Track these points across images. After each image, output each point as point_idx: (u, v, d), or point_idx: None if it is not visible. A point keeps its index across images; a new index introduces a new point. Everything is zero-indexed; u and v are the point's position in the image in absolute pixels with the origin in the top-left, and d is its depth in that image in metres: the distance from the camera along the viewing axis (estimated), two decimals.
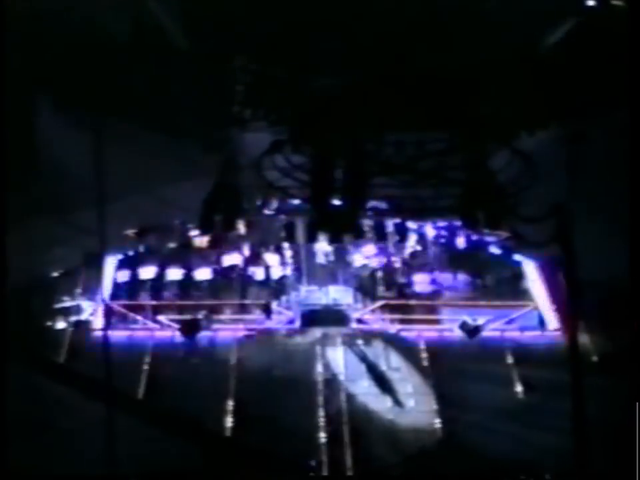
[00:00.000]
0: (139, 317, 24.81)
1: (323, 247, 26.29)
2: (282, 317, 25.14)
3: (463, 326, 24.05)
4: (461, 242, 27.05)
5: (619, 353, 21.75)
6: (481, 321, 24.10)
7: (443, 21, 17.06)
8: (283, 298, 25.71)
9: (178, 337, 24.04)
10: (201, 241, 26.90)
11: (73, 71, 19.33)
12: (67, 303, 24.99)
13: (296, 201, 26.29)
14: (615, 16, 17.02)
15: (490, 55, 17.78)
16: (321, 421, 21.00)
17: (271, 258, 26.58)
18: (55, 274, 25.95)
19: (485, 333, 24.03)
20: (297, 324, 25.01)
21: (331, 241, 24.93)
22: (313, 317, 25.19)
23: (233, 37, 17.99)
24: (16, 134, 20.08)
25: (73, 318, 24.63)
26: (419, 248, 27.13)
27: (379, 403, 21.90)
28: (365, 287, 25.97)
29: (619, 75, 16.92)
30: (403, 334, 24.54)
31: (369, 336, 24.40)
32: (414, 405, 21.85)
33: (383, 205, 24.42)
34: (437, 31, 17.32)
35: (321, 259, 26.60)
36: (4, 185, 18.93)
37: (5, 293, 18.69)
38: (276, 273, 26.29)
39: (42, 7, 17.98)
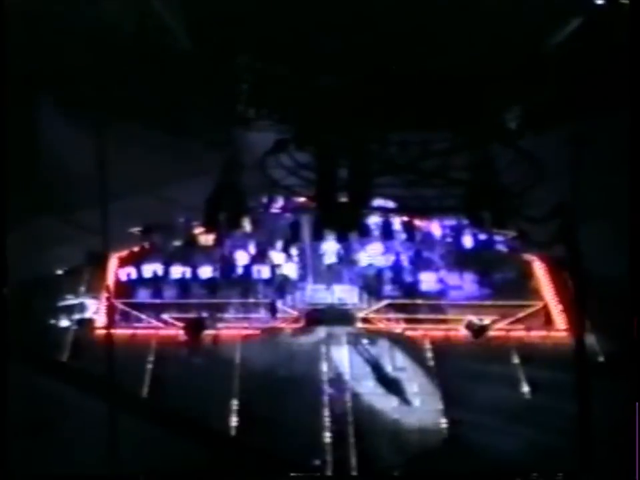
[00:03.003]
0: (142, 316, 24.79)
1: (328, 246, 26.21)
2: (287, 315, 25.08)
3: (469, 325, 23.97)
4: (467, 241, 26.98)
5: (625, 352, 21.68)
6: (486, 321, 24.04)
7: (447, 20, 16.95)
8: (288, 297, 25.65)
9: (182, 335, 23.99)
10: (205, 239, 26.86)
11: (75, 70, 19.30)
12: (71, 301, 25.02)
13: (301, 199, 26.27)
14: (621, 15, 16.90)
15: (494, 54, 17.69)
16: (326, 420, 20.96)
17: (276, 256, 26.48)
18: (59, 272, 25.99)
19: (491, 333, 23.95)
20: (302, 323, 24.97)
21: (337, 240, 24.90)
22: (318, 316, 25.14)
23: (237, 36, 17.93)
24: (18, 133, 20.03)
25: (77, 316, 24.66)
26: (424, 247, 27.09)
27: (384, 403, 21.88)
28: (371, 286, 25.88)
29: (625, 74, 16.80)
30: (409, 333, 24.47)
31: (374, 335, 24.35)
32: (419, 405, 21.81)
33: (388, 203, 24.36)
34: (441, 30, 17.21)
35: (326, 258, 26.50)
36: (6, 183, 18.88)
37: (8, 291, 18.61)
38: (281, 271, 26.21)
39: (44, 6, 17.94)
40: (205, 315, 24.36)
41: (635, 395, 14.93)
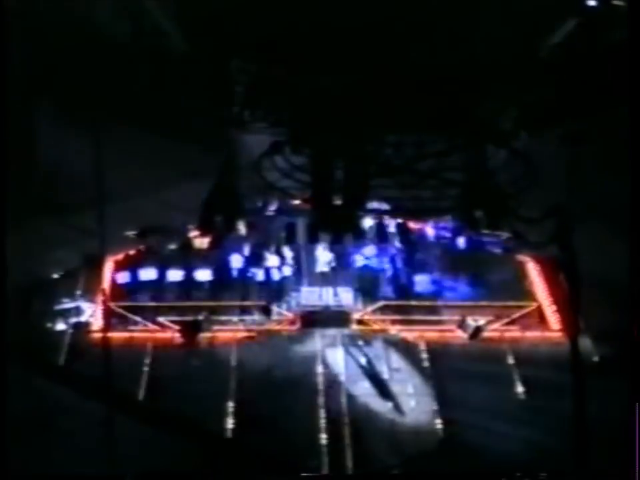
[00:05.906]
0: (139, 319, 24.80)
1: (323, 248, 26.23)
2: (282, 318, 25.12)
3: (464, 326, 24.01)
4: (461, 242, 27.04)
5: (619, 353, 21.74)
6: (481, 322, 24.08)
7: (443, 21, 16.99)
8: (284, 299, 25.69)
9: (178, 338, 24.02)
10: (201, 241, 26.87)
11: (73, 73, 19.35)
12: (67, 304, 24.98)
13: (296, 202, 26.30)
14: (616, 16, 16.99)
15: (490, 55, 17.74)
16: (322, 422, 20.98)
17: (271, 259, 26.54)
18: (55, 275, 25.97)
19: (486, 334, 24.01)
20: (298, 325, 25.00)
21: (332, 242, 24.91)
22: (313, 318, 25.17)
23: (232, 39, 17.97)
24: (16, 135, 20.08)
25: (73, 319, 24.63)
26: (419, 248, 27.13)
27: (380, 404, 21.89)
28: (366, 288, 25.92)
29: (620, 75, 16.88)
30: (404, 335, 24.51)
31: (369, 337, 24.40)
32: (414, 406, 21.83)
33: (383, 205, 24.40)
34: (437, 31, 17.25)
35: (321, 260, 26.53)
36: (4, 185, 18.91)
37: (5, 294, 18.62)
38: (276, 273, 26.25)
39: (41, 10, 18.02)
40: (200, 317, 24.36)
41: (635, 395, 14.99)
